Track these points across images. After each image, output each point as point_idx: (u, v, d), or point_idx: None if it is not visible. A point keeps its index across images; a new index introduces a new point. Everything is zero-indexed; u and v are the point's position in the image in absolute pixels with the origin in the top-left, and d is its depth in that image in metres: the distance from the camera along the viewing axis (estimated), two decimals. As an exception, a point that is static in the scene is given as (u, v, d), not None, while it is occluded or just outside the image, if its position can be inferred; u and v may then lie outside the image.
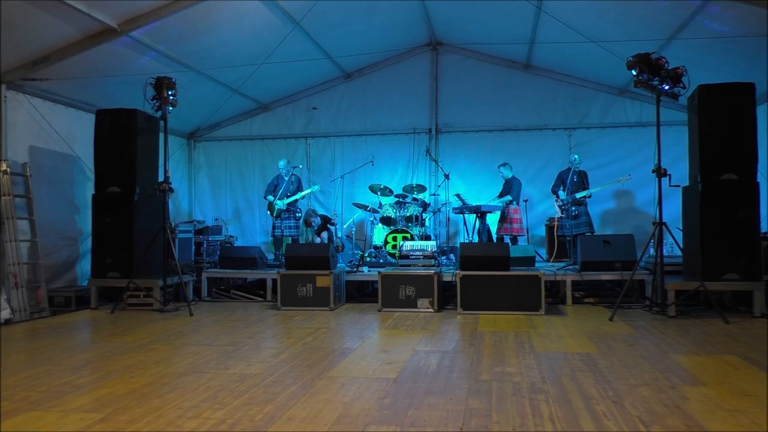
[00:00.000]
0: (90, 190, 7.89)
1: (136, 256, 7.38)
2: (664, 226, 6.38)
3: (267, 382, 3.91)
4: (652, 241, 6.53)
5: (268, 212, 9.55)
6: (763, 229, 6.81)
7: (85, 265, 8.23)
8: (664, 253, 6.60)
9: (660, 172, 6.35)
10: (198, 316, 6.85)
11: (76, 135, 8.26)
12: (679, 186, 6.78)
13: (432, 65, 10.68)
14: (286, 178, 9.47)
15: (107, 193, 7.54)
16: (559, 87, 10.26)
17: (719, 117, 6.49)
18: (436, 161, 10.29)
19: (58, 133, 7.96)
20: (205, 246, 9.37)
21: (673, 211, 7.54)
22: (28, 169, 7.41)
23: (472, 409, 3.30)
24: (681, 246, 6.90)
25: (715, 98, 6.51)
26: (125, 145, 7.55)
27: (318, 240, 9.53)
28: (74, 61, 7.23)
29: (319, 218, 9.78)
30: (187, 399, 3.53)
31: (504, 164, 9.49)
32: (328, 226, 9.80)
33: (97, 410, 3.34)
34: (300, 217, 9.59)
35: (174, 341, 5.37)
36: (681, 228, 7.19)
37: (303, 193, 9.56)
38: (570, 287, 7.43)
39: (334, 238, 9.62)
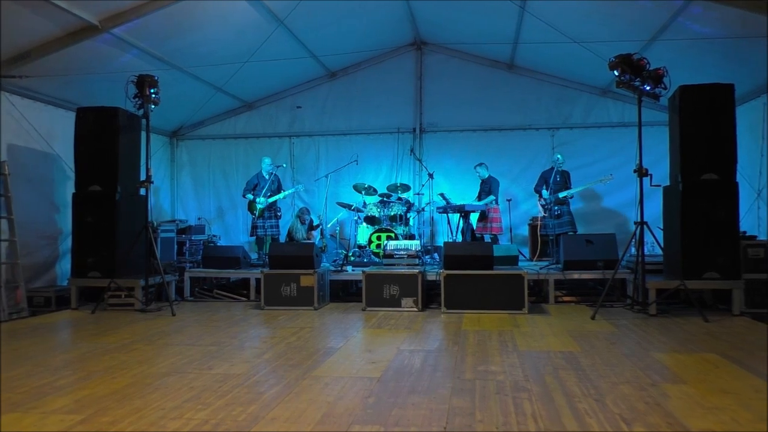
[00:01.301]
0: (70, 188, 7.79)
1: (118, 256, 7.29)
2: (645, 226, 6.45)
3: (250, 382, 3.89)
4: (633, 240, 6.59)
5: (249, 211, 9.52)
6: (742, 229, 6.90)
7: (65, 265, 8.13)
8: (646, 252, 6.65)
9: (641, 172, 6.40)
10: (180, 316, 6.80)
11: (56, 133, 8.16)
12: (660, 186, 6.86)
13: (416, 65, 10.70)
14: (267, 177, 9.43)
15: (88, 192, 7.45)
16: (543, 87, 10.33)
17: (700, 117, 6.56)
18: (420, 161, 10.31)
19: (38, 131, 7.85)
20: (187, 245, 9.30)
21: (655, 210, 7.62)
22: (6, 167, 7.29)
23: (456, 407, 3.31)
24: (662, 245, 6.97)
25: (695, 99, 6.58)
26: (106, 143, 7.46)
27: (311, 238, 9.53)
28: (54, 59, 7.14)
29: (309, 218, 9.80)
30: (169, 399, 3.50)
31: (480, 164, 9.54)
32: (312, 231, 9.85)
33: (77, 411, 3.30)
34: (281, 216, 9.59)
35: (156, 341, 5.32)
36: (662, 227, 7.26)
37: (286, 193, 9.55)
38: (553, 286, 7.47)
39: (318, 239, 9.62)
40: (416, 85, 10.71)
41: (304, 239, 9.52)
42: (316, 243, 8.37)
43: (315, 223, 9.93)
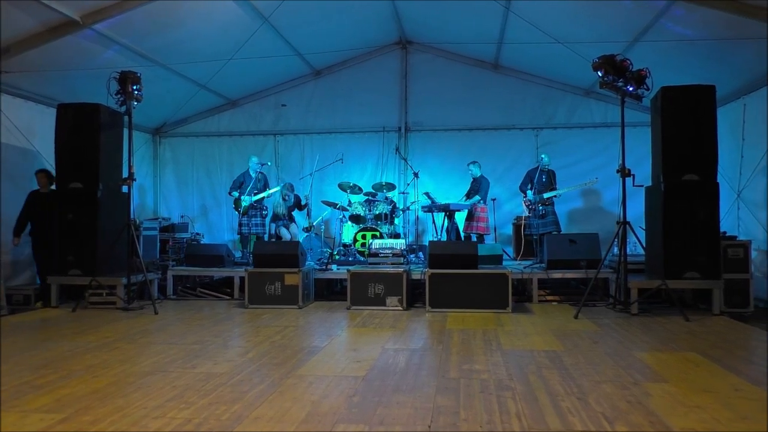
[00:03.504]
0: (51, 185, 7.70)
1: (100, 254, 7.22)
2: (627, 226, 6.50)
3: (234, 381, 3.87)
4: (616, 240, 6.65)
5: (235, 209, 9.46)
6: (722, 229, 6.98)
7: (46, 263, 8.02)
8: (628, 252, 6.71)
9: (624, 173, 6.45)
10: (163, 314, 6.74)
11: (36, 130, 8.05)
12: (642, 186, 6.92)
13: (402, 64, 10.71)
14: (254, 176, 9.38)
15: (69, 189, 7.36)
16: (527, 87, 10.39)
17: (681, 118, 6.63)
18: (405, 159, 10.32)
19: (18, 127, 7.74)
20: (170, 243, 9.22)
21: (637, 210, 7.69)
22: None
23: (441, 406, 3.31)
24: (644, 245, 7.04)
25: (677, 100, 6.65)
26: (88, 140, 7.38)
27: (287, 234, 9.38)
28: (35, 54, 7.05)
29: (293, 196, 9.62)
30: (152, 398, 3.47)
31: (473, 162, 9.56)
32: (297, 211, 9.64)
33: (58, 410, 3.26)
34: (267, 215, 9.52)
35: (138, 340, 5.27)
36: (644, 227, 7.33)
37: (271, 191, 9.49)
38: (536, 285, 7.51)
39: (303, 234, 9.53)
40: (401, 84, 10.72)
41: (283, 215, 9.37)
42: (301, 239, 8.28)
43: (303, 203, 9.69)
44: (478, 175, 9.51)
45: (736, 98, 7.92)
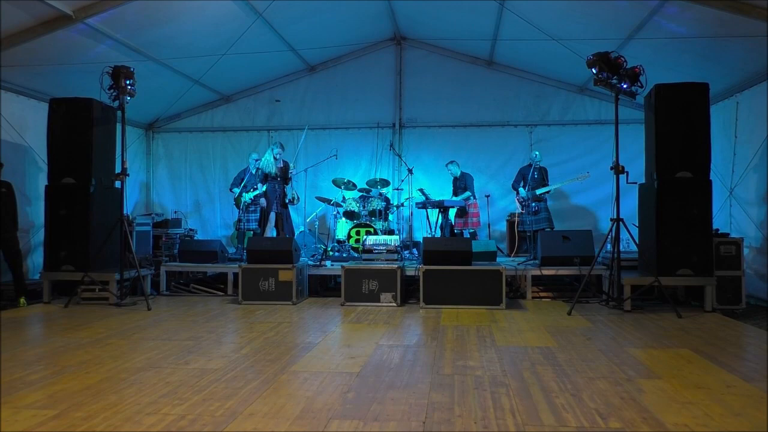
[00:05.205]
0: (43, 181, 7.64)
1: (92, 249, 7.18)
2: (621, 223, 6.52)
3: (228, 377, 3.86)
4: (609, 236, 6.67)
5: (235, 205, 9.42)
6: (714, 226, 7.01)
7: (37, 258, 7.98)
8: (621, 248, 6.73)
9: (618, 170, 6.47)
10: (156, 310, 6.71)
11: (28, 124, 7.99)
12: (636, 183, 6.94)
13: (396, 60, 10.70)
14: (253, 172, 9.35)
15: (61, 185, 7.32)
16: (522, 84, 10.40)
17: (675, 116, 6.65)
18: (399, 156, 10.31)
19: (9, 122, 7.68)
20: (164, 239, 9.19)
21: (630, 207, 7.71)
22: (-23, 158, 7.14)
23: (435, 402, 3.31)
24: (637, 242, 7.06)
25: (671, 97, 6.67)
26: (80, 135, 7.33)
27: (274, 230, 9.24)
28: (27, 48, 6.99)
29: (282, 159, 9.15)
30: (145, 395, 3.45)
31: (451, 162, 9.56)
32: (288, 192, 9.24)
33: (50, 407, 3.24)
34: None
35: (131, 336, 5.25)
36: (637, 224, 7.36)
37: (263, 189, 9.43)
38: (530, 282, 7.53)
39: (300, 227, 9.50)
40: (396, 80, 10.71)
41: (274, 176, 9.03)
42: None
43: (289, 174, 9.24)
44: (459, 173, 9.51)
45: (729, 96, 7.96)
